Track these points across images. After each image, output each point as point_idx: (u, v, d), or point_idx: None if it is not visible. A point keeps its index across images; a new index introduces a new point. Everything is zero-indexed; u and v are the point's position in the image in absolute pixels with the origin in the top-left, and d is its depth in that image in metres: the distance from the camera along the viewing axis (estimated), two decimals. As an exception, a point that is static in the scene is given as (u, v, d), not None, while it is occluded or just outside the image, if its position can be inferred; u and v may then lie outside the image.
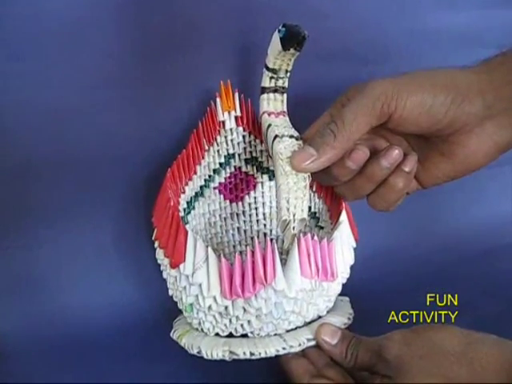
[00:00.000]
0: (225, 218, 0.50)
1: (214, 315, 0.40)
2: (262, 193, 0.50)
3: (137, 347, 0.50)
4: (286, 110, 0.43)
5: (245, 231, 0.51)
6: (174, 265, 0.40)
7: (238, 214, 0.50)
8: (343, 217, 0.43)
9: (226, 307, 0.39)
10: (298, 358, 0.41)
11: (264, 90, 0.43)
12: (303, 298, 0.39)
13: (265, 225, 0.51)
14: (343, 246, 0.42)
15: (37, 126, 0.50)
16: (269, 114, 0.42)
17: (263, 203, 0.50)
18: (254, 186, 0.50)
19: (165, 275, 0.42)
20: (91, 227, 0.52)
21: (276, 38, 0.39)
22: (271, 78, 0.42)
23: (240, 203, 0.50)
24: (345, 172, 0.38)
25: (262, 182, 0.49)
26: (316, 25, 0.52)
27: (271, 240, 0.48)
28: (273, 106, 0.43)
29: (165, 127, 0.52)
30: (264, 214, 0.51)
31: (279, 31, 0.38)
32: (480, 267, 0.57)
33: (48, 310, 0.52)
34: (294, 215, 0.37)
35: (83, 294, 0.53)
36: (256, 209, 0.50)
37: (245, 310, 0.39)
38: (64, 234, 0.52)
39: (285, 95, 0.43)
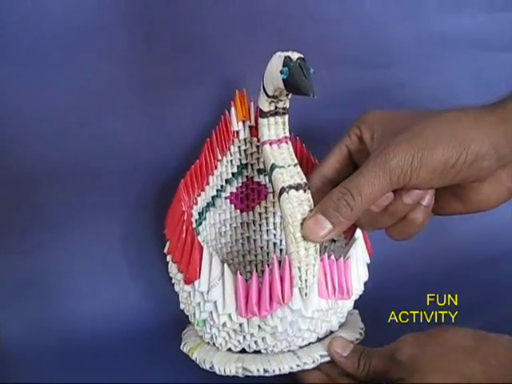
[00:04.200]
0: (235, 228, 0.49)
1: (228, 332, 0.40)
2: (273, 203, 0.49)
3: (143, 354, 0.49)
4: (288, 133, 0.40)
5: (254, 241, 0.50)
6: (189, 281, 0.39)
7: (248, 224, 0.50)
8: (358, 233, 0.42)
9: (241, 324, 0.39)
10: (311, 369, 0.41)
11: (263, 113, 0.40)
12: (319, 317, 0.39)
13: (275, 235, 0.50)
14: (358, 263, 0.41)
15: (43, 132, 0.49)
16: (270, 144, 0.40)
17: (274, 213, 0.50)
18: (266, 196, 0.49)
19: (177, 289, 0.42)
20: (98, 234, 0.52)
21: (277, 73, 0.36)
22: (271, 102, 0.39)
23: (251, 213, 0.49)
24: (366, 214, 0.37)
25: (273, 192, 0.49)
26: (321, 29, 0.52)
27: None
28: (274, 131, 0.40)
29: (174, 133, 0.51)
30: (274, 224, 0.50)
31: (281, 72, 0.35)
32: (483, 273, 0.58)
33: (53, 316, 0.51)
34: (306, 281, 0.37)
35: (89, 301, 0.52)
36: (266, 218, 0.50)
37: (260, 327, 0.38)
38: (70, 240, 0.51)
39: (286, 116, 0.40)
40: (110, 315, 0.52)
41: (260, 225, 0.50)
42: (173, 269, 0.41)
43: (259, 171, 0.48)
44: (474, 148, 0.35)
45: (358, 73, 0.53)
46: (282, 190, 0.37)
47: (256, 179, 0.48)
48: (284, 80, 0.35)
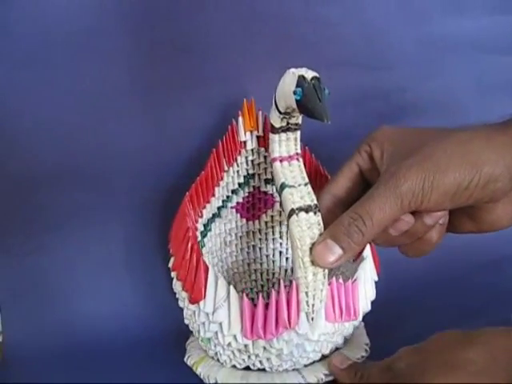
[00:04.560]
0: (240, 237, 0.49)
1: (233, 351, 0.39)
2: (280, 212, 0.48)
3: (143, 357, 0.49)
4: (299, 150, 0.39)
5: (260, 249, 0.49)
6: (194, 301, 0.38)
7: (254, 232, 0.49)
8: (367, 251, 0.41)
9: (246, 345, 0.38)
10: None
11: (275, 129, 0.38)
12: (325, 339, 0.38)
13: (281, 243, 0.49)
14: (366, 283, 0.41)
15: (46, 134, 0.49)
16: (281, 161, 0.38)
17: (280, 222, 0.49)
18: (272, 205, 0.48)
19: (181, 305, 0.41)
20: (101, 236, 0.52)
21: (289, 93, 0.34)
22: (283, 118, 0.38)
23: (257, 221, 0.49)
24: (383, 236, 0.36)
25: (280, 202, 0.48)
26: (322, 33, 0.51)
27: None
28: (285, 148, 0.38)
29: (178, 135, 0.51)
30: (280, 233, 0.49)
31: (295, 93, 0.34)
32: (488, 276, 0.57)
33: (54, 317, 0.51)
34: (313, 306, 0.36)
35: (90, 303, 0.52)
36: (272, 227, 0.49)
37: (265, 348, 0.38)
38: (72, 242, 0.51)
39: (298, 132, 0.38)
40: (111, 317, 0.52)
41: (266, 233, 0.49)
42: (177, 286, 0.40)
43: (266, 181, 0.47)
44: (487, 170, 0.34)
45: (358, 76, 0.52)
46: (292, 212, 0.36)
47: (263, 189, 0.47)
48: (297, 101, 0.34)
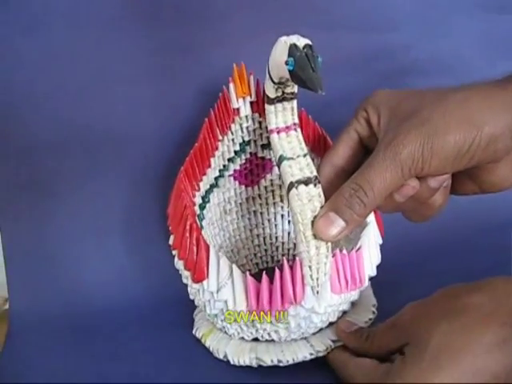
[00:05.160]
0: (240, 204, 0.48)
1: (240, 326, 0.39)
2: (278, 175, 0.47)
3: (145, 322, 0.49)
4: (296, 120, 0.37)
5: (261, 214, 0.49)
6: (197, 280, 0.38)
7: (253, 198, 0.48)
8: (371, 217, 0.40)
9: (253, 321, 0.38)
10: None
11: (270, 100, 0.37)
12: (332, 310, 0.38)
13: (282, 207, 0.49)
14: (371, 248, 0.40)
15: (48, 102, 0.48)
16: (278, 132, 0.37)
17: (280, 185, 0.47)
18: (271, 169, 0.47)
19: (185, 281, 0.41)
20: (101, 203, 0.51)
21: (281, 63, 0.32)
22: (278, 88, 0.36)
23: (256, 187, 0.47)
24: (387, 203, 0.35)
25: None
26: None
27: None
28: (282, 118, 0.37)
29: (177, 103, 0.49)
30: (281, 196, 0.48)
31: (287, 63, 0.32)
32: (493, 238, 0.56)
33: (58, 284, 0.51)
34: (317, 279, 0.35)
35: (92, 271, 0.51)
36: (272, 191, 0.48)
37: (272, 323, 0.38)
38: (74, 209, 0.50)
39: (295, 102, 0.37)
40: (114, 284, 0.51)
41: (266, 198, 0.48)
42: (179, 265, 0.40)
43: (263, 146, 0.45)
44: (487, 131, 0.32)
45: (361, 37, 0.50)
46: (291, 186, 0.35)
47: (260, 154, 0.45)
48: (290, 71, 0.32)
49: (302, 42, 0.32)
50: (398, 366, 0.34)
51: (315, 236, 0.35)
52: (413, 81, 0.51)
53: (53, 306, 0.50)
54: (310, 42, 0.33)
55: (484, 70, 0.50)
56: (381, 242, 0.42)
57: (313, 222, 0.35)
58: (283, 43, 0.33)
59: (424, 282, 0.47)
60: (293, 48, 0.32)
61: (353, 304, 0.42)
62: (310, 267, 0.35)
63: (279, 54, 0.33)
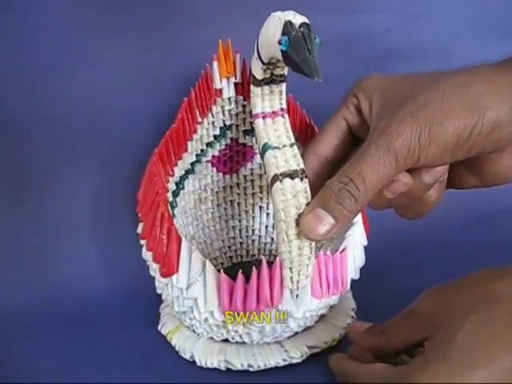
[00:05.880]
0: (217, 192, 0.44)
1: (210, 326, 0.36)
2: (260, 164, 0.44)
3: (114, 319, 0.45)
4: (284, 105, 0.34)
5: (239, 204, 0.45)
6: (165, 274, 0.35)
7: (231, 187, 0.44)
8: (357, 217, 0.38)
9: (224, 321, 0.35)
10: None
11: (257, 81, 0.33)
12: (310, 314, 0.35)
13: (261, 198, 0.45)
14: (355, 250, 0.37)
15: (20, 85, 0.46)
16: (263, 117, 0.34)
17: (260, 175, 0.44)
18: (252, 157, 0.43)
19: (152, 274, 0.37)
20: (73, 187, 0.48)
21: (274, 41, 0.29)
22: (266, 69, 0.32)
23: (234, 175, 0.44)
24: (378, 199, 0.32)
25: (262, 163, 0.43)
26: None
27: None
28: (268, 102, 0.34)
29: (153, 82, 0.46)
30: (261, 187, 0.45)
31: (280, 42, 0.29)
32: (482, 230, 0.54)
33: (30, 275, 0.47)
34: (297, 282, 0.32)
35: (62, 260, 0.48)
36: (252, 181, 0.44)
37: (245, 325, 0.35)
38: (43, 198, 0.47)
39: (283, 85, 0.33)
40: (81, 273, 0.48)
41: (245, 188, 0.45)
42: (147, 256, 0.36)
43: (245, 132, 0.42)
44: (489, 116, 0.30)
45: (340, 18, 0.48)
46: (275, 179, 0.32)
47: (241, 141, 0.42)
48: (283, 52, 0.29)
49: (298, 19, 0.29)
50: (419, 364, 0.29)
51: (298, 236, 0.32)
52: (393, 65, 0.49)
53: (19, 296, 0.46)
54: (307, 21, 0.29)
55: (471, 52, 0.48)
56: (366, 243, 0.39)
57: (297, 220, 0.32)
58: (277, 19, 0.29)
59: (409, 276, 0.46)
60: (288, 26, 0.29)
61: (331, 307, 0.40)
62: (290, 269, 0.32)
63: (272, 32, 0.30)
